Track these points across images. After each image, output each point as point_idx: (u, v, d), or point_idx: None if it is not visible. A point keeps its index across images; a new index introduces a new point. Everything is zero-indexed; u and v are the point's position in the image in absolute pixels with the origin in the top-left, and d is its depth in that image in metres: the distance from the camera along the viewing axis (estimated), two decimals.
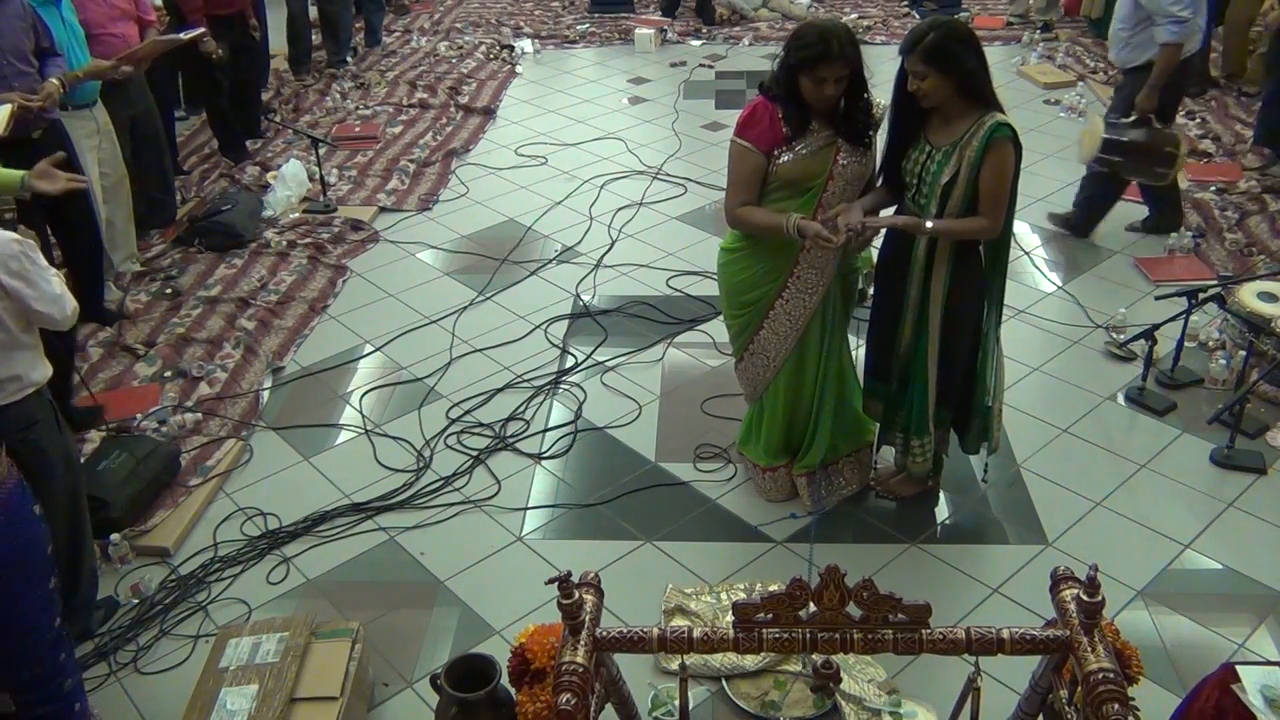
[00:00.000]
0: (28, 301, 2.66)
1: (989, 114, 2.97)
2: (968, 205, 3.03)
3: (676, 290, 5.00)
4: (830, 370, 3.42)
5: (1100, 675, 1.95)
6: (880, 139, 3.23)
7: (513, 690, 2.40)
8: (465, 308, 4.90)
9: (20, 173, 3.34)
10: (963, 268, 3.14)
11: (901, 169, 3.14)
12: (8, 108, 3.78)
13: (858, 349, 3.60)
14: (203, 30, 5.48)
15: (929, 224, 3.05)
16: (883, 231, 3.31)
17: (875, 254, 3.46)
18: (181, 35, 5.33)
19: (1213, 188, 5.77)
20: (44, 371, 2.85)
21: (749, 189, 3.17)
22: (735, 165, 3.18)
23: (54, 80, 4.09)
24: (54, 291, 2.72)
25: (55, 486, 2.94)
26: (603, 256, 5.30)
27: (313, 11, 8.19)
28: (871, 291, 3.51)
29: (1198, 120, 6.65)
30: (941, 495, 3.67)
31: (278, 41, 7.83)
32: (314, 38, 8.22)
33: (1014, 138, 2.97)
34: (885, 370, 3.43)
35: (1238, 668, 2.31)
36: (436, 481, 3.80)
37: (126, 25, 5.01)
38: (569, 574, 2.10)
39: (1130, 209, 5.64)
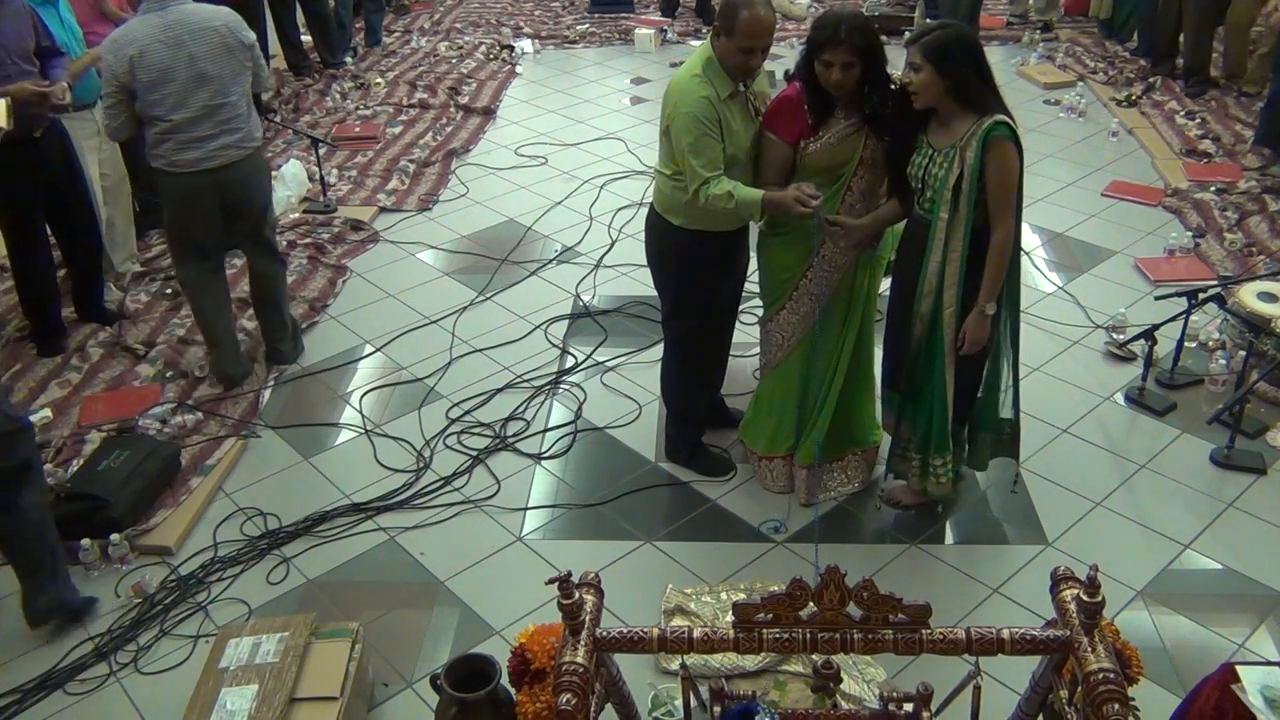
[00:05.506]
0: None
1: (987, 116, 2.96)
2: (976, 207, 3.02)
3: None
4: (839, 368, 3.43)
5: (1100, 675, 1.94)
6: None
7: (513, 690, 2.40)
8: (465, 308, 4.90)
9: None
10: (976, 275, 3.09)
11: (906, 173, 3.15)
12: (3, 101, 3.78)
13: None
14: None
15: (986, 307, 3.08)
16: (899, 229, 3.33)
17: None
18: None
19: (1213, 188, 5.76)
20: None
21: (768, 175, 3.29)
22: (760, 152, 3.32)
23: (62, 83, 4.10)
24: None
25: None
26: (603, 256, 5.30)
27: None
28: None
29: (1198, 120, 6.64)
30: None
31: (276, 42, 7.82)
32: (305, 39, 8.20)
33: (1013, 136, 2.95)
34: (897, 378, 3.40)
35: (1238, 668, 2.31)
36: (436, 481, 3.80)
37: (109, 25, 5.01)
38: (569, 574, 2.09)
39: (1133, 210, 5.65)
